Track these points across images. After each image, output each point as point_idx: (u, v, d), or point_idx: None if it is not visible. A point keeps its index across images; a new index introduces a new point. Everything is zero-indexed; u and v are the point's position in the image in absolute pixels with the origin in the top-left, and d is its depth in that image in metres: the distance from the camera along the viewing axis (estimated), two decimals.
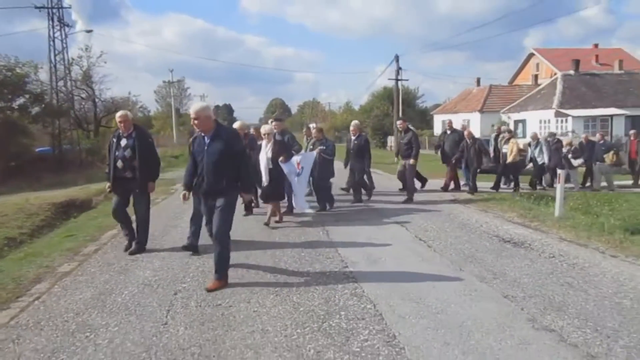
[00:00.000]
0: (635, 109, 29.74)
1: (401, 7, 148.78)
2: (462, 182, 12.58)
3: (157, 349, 3.59)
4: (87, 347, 3.66)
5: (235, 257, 5.57)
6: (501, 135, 13.54)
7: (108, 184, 6.52)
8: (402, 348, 3.52)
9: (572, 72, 33.32)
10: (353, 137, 10.49)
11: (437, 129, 41.34)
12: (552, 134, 14.65)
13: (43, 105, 23.40)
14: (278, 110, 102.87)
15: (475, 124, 36.25)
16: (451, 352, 3.47)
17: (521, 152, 13.17)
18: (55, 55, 25.03)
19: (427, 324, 3.96)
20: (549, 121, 30.69)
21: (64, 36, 25.34)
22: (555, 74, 37.26)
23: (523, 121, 33.30)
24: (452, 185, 12.51)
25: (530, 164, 13.64)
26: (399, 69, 28.84)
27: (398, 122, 12.01)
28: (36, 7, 24.41)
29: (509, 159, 12.41)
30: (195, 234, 6.35)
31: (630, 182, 14.40)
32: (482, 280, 5.12)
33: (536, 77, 43.34)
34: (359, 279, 5.14)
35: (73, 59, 29.46)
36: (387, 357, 3.39)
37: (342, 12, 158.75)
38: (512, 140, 12.69)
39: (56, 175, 23.87)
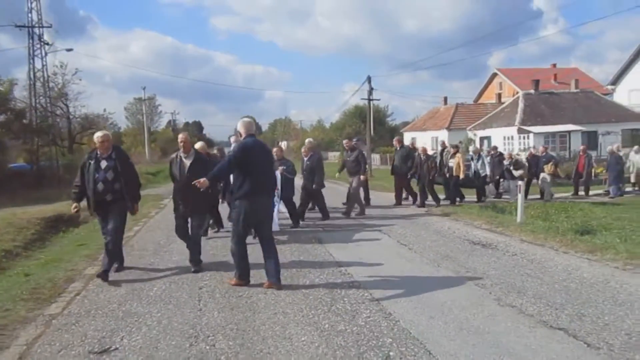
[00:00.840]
0: (590, 125, 31.80)
1: (368, 27, 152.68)
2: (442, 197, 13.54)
3: (201, 327, 4.42)
4: (141, 327, 4.45)
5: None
6: (446, 150, 14.30)
7: (74, 205, 6.26)
8: (398, 321, 4.44)
9: (532, 91, 35.35)
10: (305, 158, 10.64)
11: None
12: (494, 148, 15.76)
13: (25, 122, 23.66)
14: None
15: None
16: (435, 322, 4.41)
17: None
18: (34, 73, 25.33)
19: (414, 304, 4.90)
20: (512, 137, 32.44)
21: (43, 54, 25.67)
22: (517, 92, 39.31)
23: (488, 138, 35.01)
24: (409, 199, 13.33)
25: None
26: (371, 89, 30.14)
27: (344, 142, 12.73)
28: (17, 26, 24.77)
29: (459, 174, 13.08)
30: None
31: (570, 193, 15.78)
32: (457, 273, 6.12)
33: (499, 95, 45.58)
34: (353, 275, 6.06)
35: (49, 76, 29.76)
36: (387, 327, 4.30)
37: (311, 30, 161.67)
38: (457, 154, 13.47)
39: (34, 191, 24.04)
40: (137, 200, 6.45)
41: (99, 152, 6.10)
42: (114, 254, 6.19)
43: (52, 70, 29.42)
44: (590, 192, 15.74)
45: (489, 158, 14.39)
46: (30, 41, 25.15)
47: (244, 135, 5.63)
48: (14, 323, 4.69)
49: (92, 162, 6.06)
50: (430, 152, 13.92)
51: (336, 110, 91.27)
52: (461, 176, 13.09)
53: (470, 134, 36.73)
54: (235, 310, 4.83)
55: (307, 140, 11.51)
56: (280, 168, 9.21)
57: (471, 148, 17.13)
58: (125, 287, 5.79)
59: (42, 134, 25.65)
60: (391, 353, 3.75)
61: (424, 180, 12.67)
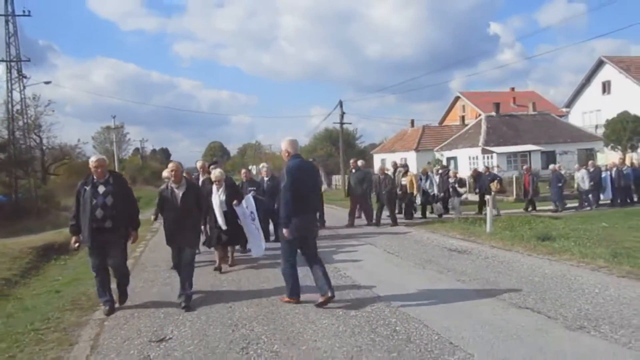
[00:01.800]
0: (548, 145, 33.98)
1: (333, 52, 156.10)
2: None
3: (236, 318, 5.31)
4: (184, 322, 5.30)
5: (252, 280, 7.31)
6: (397, 170, 14.88)
7: (74, 239, 5.86)
8: (398, 308, 5.44)
9: (494, 113, 37.49)
10: (266, 179, 10.84)
11: (377, 168, 44.42)
12: (444, 167, 17.15)
13: (6, 155, 23.96)
14: (217, 153, 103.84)
15: (411, 162, 39.48)
16: (428, 307, 5.43)
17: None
18: (12, 106, 25.69)
19: (409, 296, 5.91)
20: (476, 157, 34.26)
21: (22, 88, 26.09)
22: (479, 115, 41.54)
23: (454, 158, 36.83)
24: (362, 217, 13.70)
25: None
26: (342, 113, 31.52)
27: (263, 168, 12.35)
28: None
29: (413, 191, 14.06)
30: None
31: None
32: (440, 273, 7.18)
33: (463, 117, 47.84)
34: (352, 277, 7.05)
35: (25, 109, 30.00)
36: (390, 312, 5.29)
37: (275, 56, 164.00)
38: (409, 173, 14.41)
39: (14, 223, 24.11)
40: (137, 228, 6.13)
41: (95, 177, 5.74)
42: (126, 284, 6.20)
43: (25, 103, 29.78)
44: (538, 208, 17.10)
45: (437, 177, 15.58)
46: (9, 75, 25.56)
47: (291, 155, 5.69)
48: (71, 326, 5.47)
49: (88, 187, 5.67)
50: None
51: (304, 134, 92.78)
52: (414, 192, 14.15)
53: (437, 155, 38.49)
54: (260, 306, 5.74)
55: (262, 165, 11.99)
56: (252, 193, 9.28)
57: (419, 169, 18.40)
58: (156, 291, 6.61)
59: (23, 166, 25.89)
60: (397, 328, 4.74)
61: (382, 199, 13.28)
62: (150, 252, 10.79)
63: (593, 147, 34.55)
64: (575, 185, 17.77)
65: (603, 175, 16.91)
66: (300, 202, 5.47)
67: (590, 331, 4.50)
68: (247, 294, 6.42)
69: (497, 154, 32.63)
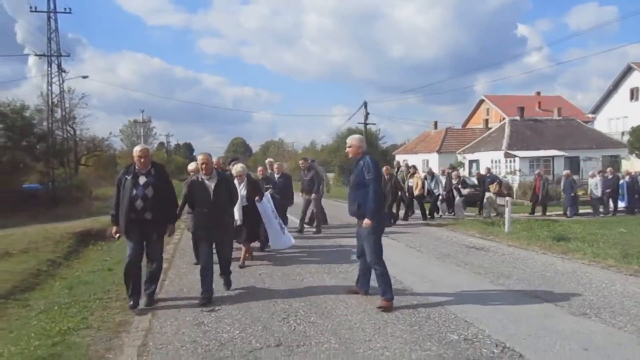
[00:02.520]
0: (572, 151, 33.94)
1: (355, 52, 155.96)
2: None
3: (275, 295, 6.00)
4: (230, 297, 6.00)
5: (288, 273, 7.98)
6: (400, 169, 15.20)
7: (115, 229, 5.76)
8: (419, 294, 6.05)
9: (518, 117, 37.55)
10: (277, 175, 10.72)
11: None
12: (452, 167, 17.32)
13: (46, 145, 25.22)
14: (239, 149, 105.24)
15: (433, 164, 39.81)
16: (446, 294, 6.02)
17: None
18: (52, 99, 26.95)
19: (431, 285, 6.52)
20: (499, 161, 34.43)
21: (61, 81, 27.33)
22: (503, 118, 41.58)
23: (477, 161, 37.02)
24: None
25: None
26: (367, 114, 32.09)
27: (300, 162, 12.84)
28: (36, 55, 26.47)
29: (416, 192, 14.28)
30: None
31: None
32: (458, 266, 7.76)
33: (487, 121, 47.87)
34: None
35: (59, 101, 31.31)
36: (412, 296, 5.91)
37: (298, 54, 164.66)
38: (416, 175, 14.69)
39: (50, 210, 25.30)
40: (175, 221, 6.08)
41: (137, 167, 5.67)
42: (157, 278, 6.03)
43: (61, 96, 31.08)
44: (548, 213, 17.30)
45: (444, 178, 15.94)
46: (49, 69, 26.83)
47: (363, 150, 5.65)
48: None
49: (129, 177, 5.60)
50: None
51: (324, 132, 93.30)
52: (416, 193, 14.32)
53: (459, 157, 38.73)
54: (295, 287, 6.43)
55: (267, 160, 11.91)
56: (270, 191, 9.11)
57: (426, 169, 18.71)
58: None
59: (60, 156, 27.15)
60: (418, 308, 5.38)
61: (387, 199, 13.12)
62: (187, 239, 11.55)
63: (618, 154, 34.39)
64: (589, 192, 17.92)
65: (620, 182, 17.14)
66: (381, 198, 5.56)
67: (591, 317, 5.05)
68: (282, 276, 7.10)
69: (520, 158, 32.74)
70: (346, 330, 4.75)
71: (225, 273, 6.39)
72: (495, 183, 16.04)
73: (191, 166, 7.98)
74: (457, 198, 15.39)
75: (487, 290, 6.21)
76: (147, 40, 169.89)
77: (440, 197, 15.50)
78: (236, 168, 8.18)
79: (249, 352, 4.23)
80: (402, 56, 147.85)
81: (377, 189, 5.37)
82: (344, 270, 7.44)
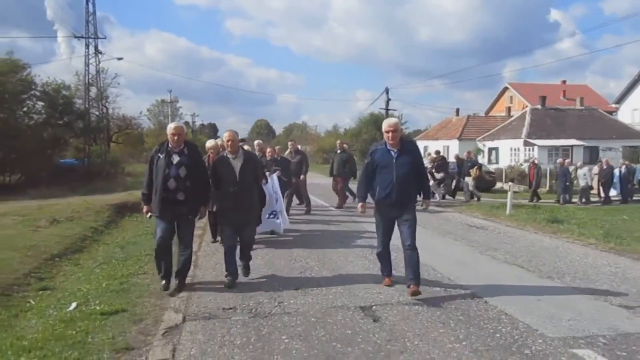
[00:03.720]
0: (592, 141, 34.20)
1: (382, 35, 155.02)
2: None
3: (294, 256, 7.18)
4: (256, 258, 7.20)
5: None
6: None
7: (146, 208, 5.66)
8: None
9: (539, 106, 37.85)
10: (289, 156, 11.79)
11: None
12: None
13: (83, 123, 26.93)
14: (262, 131, 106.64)
15: (453, 151, 40.48)
16: (443, 260, 7.10)
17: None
18: (89, 79, 28.56)
19: (429, 253, 7.54)
20: (518, 149, 34.92)
21: (98, 62, 28.90)
22: (526, 106, 41.85)
23: (496, 149, 37.56)
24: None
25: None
26: (388, 99, 32.92)
27: (290, 144, 13.45)
28: (76, 37, 28.06)
29: None
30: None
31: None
32: (455, 240, 8.84)
33: (509, 109, 48.00)
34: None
35: (93, 81, 32.94)
36: (425, 269, 7.01)
37: (325, 36, 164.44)
38: None
39: (86, 184, 27.01)
40: (205, 203, 5.88)
41: (170, 146, 5.45)
42: (188, 268, 5.83)
43: (93, 74, 32.73)
44: (542, 200, 17.82)
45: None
46: (87, 50, 28.40)
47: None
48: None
49: (162, 155, 5.39)
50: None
51: (348, 116, 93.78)
52: None
53: (479, 145, 39.28)
54: (311, 249, 7.60)
55: (256, 142, 11.94)
56: (277, 173, 9.25)
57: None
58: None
59: (97, 133, 28.85)
60: (435, 288, 6.36)
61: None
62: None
63: (638, 145, 34.53)
64: (580, 182, 18.30)
65: (615, 172, 17.79)
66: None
67: (554, 279, 6.11)
68: (303, 242, 8.28)
69: (539, 146, 33.20)
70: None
71: (245, 259, 5.98)
72: (475, 167, 16.33)
73: (209, 143, 7.90)
74: (431, 182, 15.40)
75: (474, 258, 7.30)
76: (175, 19, 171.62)
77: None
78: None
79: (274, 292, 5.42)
80: (429, 39, 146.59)
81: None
82: (352, 238, 8.59)
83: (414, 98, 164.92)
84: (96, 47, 28.32)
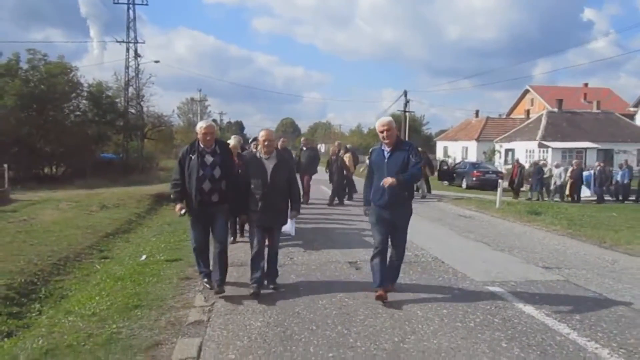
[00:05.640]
0: (605, 144, 35.18)
1: (409, 33, 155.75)
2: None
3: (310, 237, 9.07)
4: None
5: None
6: (332, 149, 15.76)
7: (179, 206, 5.35)
8: (421, 248, 8.98)
9: (556, 109, 38.90)
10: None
11: (439, 154, 47.17)
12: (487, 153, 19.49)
13: (124, 121, 29.52)
14: (288, 129, 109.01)
15: (472, 151, 41.87)
16: (430, 241, 8.86)
17: None
18: (129, 80, 31.06)
19: (422, 236, 9.34)
20: (533, 151, 36.10)
21: (137, 65, 31.39)
22: (546, 109, 42.86)
23: (512, 150, 38.79)
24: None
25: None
26: (407, 102, 34.58)
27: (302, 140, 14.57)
28: (118, 42, 30.60)
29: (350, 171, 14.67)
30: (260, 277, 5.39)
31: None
32: (442, 226, 10.63)
33: (528, 111, 48.95)
34: None
35: (129, 80, 35.37)
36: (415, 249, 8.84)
37: (352, 34, 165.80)
38: (346, 154, 14.80)
39: (124, 177, 29.44)
40: (244, 207, 5.53)
41: (201, 145, 5.26)
42: (225, 264, 5.47)
43: (131, 75, 35.24)
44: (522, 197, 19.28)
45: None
46: (127, 54, 30.91)
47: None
48: None
49: (194, 156, 5.22)
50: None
51: (374, 115, 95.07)
52: (345, 172, 14.44)
53: (497, 146, 40.54)
54: (317, 226, 9.49)
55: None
56: None
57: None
58: None
59: (135, 130, 31.37)
60: (408, 253, 8.12)
61: (334, 176, 14.30)
62: None
63: None
64: (553, 180, 19.46)
65: (586, 173, 19.12)
66: None
67: (504, 251, 7.88)
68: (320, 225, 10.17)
69: (553, 149, 34.36)
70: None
71: (272, 265, 5.62)
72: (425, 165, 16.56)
73: (232, 141, 7.89)
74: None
75: (449, 236, 9.10)
76: (203, 17, 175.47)
77: None
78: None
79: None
80: (457, 38, 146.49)
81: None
82: (345, 224, 10.42)
83: (441, 98, 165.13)
84: (136, 51, 30.79)
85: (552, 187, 19.20)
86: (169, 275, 5.99)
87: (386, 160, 5.13)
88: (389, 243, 5.36)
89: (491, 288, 5.65)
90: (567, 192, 19.00)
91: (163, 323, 4.40)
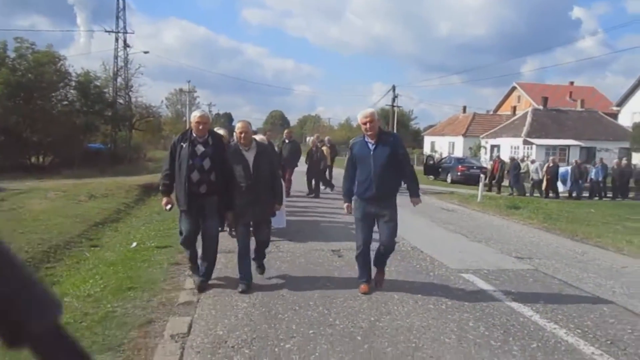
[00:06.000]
0: (588, 142, 35.93)
1: (400, 28, 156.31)
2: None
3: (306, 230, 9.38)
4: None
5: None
6: (311, 141, 15.66)
7: (166, 200, 5.27)
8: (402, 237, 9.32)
9: (541, 107, 39.57)
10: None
11: (427, 149, 47.69)
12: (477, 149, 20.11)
13: (112, 111, 29.50)
14: (277, 121, 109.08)
15: (458, 146, 42.44)
16: (415, 234, 9.22)
17: None
18: (117, 70, 31.01)
19: (405, 228, 9.75)
20: (517, 147, 36.75)
21: (126, 55, 31.33)
22: (532, 106, 43.54)
23: (498, 146, 39.41)
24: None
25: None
26: (395, 97, 34.93)
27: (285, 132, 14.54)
28: (106, 31, 30.48)
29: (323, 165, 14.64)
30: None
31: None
32: (423, 217, 10.95)
33: (514, 108, 49.65)
34: None
35: (117, 71, 35.23)
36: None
37: (343, 28, 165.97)
38: (323, 148, 14.96)
39: (113, 167, 29.48)
40: (231, 205, 5.35)
41: (194, 134, 5.13)
42: (213, 260, 5.41)
43: (120, 66, 35.11)
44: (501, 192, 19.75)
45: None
46: (116, 44, 30.83)
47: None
48: None
49: (185, 144, 5.08)
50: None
51: (363, 109, 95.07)
52: (322, 165, 14.51)
53: (482, 142, 41.14)
54: (304, 218, 9.79)
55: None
56: None
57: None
58: None
59: (124, 121, 31.36)
60: None
61: (312, 169, 14.35)
62: None
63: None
64: (530, 176, 20.06)
65: (562, 170, 19.64)
66: None
67: (481, 242, 8.26)
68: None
69: (537, 145, 35.01)
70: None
71: (260, 257, 5.72)
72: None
73: (221, 131, 7.42)
74: None
75: (429, 227, 9.47)
76: (193, 7, 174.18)
77: None
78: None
79: None
80: (447, 34, 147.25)
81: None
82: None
83: (431, 93, 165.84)
84: (125, 41, 30.74)
85: (529, 182, 19.71)
86: (159, 261, 6.27)
87: (372, 152, 5.08)
88: (379, 238, 5.39)
89: (465, 275, 6.01)
90: (543, 188, 19.50)
91: (155, 303, 4.69)
